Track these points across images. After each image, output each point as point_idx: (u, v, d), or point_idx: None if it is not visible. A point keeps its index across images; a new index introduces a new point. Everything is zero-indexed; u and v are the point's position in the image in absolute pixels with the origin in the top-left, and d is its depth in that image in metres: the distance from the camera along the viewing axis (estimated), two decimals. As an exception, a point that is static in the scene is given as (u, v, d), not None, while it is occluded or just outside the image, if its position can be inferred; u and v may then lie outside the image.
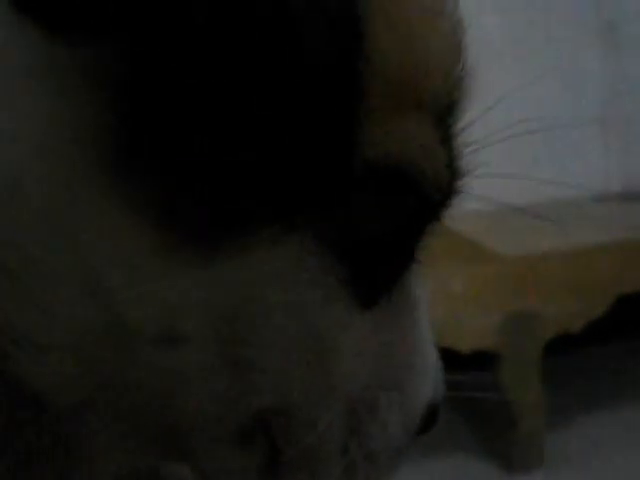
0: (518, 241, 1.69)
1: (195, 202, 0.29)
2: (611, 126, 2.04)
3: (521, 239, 1.71)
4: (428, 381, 0.38)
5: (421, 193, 0.34)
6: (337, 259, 0.32)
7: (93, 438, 0.34)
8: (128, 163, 0.29)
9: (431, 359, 0.39)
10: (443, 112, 0.34)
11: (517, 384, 1.58)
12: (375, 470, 0.37)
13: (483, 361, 1.57)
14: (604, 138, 2.05)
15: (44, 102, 0.29)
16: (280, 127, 0.29)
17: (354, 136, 0.31)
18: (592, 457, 1.57)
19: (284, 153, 0.30)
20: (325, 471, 0.35)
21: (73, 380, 0.32)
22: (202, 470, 0.35)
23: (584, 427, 1.67)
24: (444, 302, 1.43)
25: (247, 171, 0.29)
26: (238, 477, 0.35)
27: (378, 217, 0.33)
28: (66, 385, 0.32)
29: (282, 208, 0.30)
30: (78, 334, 0.31)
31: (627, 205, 1.95)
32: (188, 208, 0.29)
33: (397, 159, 0.32)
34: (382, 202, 0.33)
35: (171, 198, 0.29)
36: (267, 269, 0.31)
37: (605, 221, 1.84)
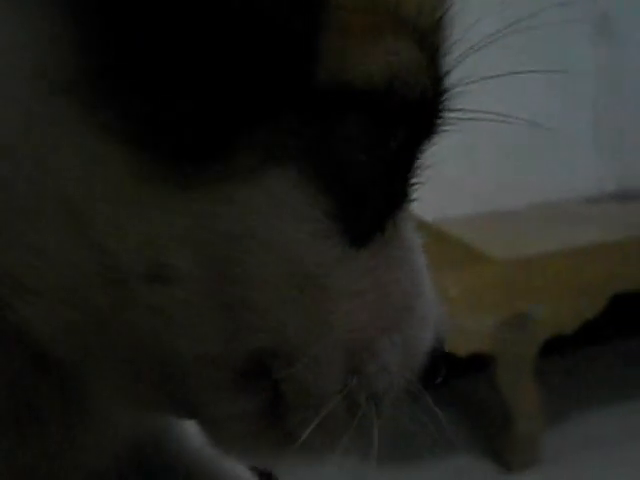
0: (511, 244, 1.70)
1: (169, 124, 0.29)
2: (604, 125, 2.04)
3: (514, 242, 1.72)
4: (429, 326, 0.37)
5: (407, 113, 0.33)
6: (324, 193, 0.31)
7: (95, 389, 0.35)
8: (98, 85, 0.28)
9: (431, 305, 0.38)
10: (427, 31, 0.33)
11: (513, 385, 1.59)
12: (378, 411, 0.36)
13: (479, 364, 1.58)
14: (597, 137, 2.05)
15: (4, 26, 0.29)
16: (247, 52, 0.29)
17: (318, 55, 0.30)
18: (588, 456, 1.59)
19: (252, 76, 0.29)
20: (327, 411, 0.34)
21: (70, 326, 0.31)
22: (205, 419, 0.35)
23: (580, 427, 1.68)
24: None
25: (218, 93, 0.29)
26: (241, 422, 0.34)
27: (364, 147, 0.32)
28: (64, 331, 0.32)
29: (255, 136, 0.30)
30: (70, 276, 0.30)
31: (621, 205, 1.95)
32: (162, 131, 0.29)
33: (379, 77, 0.31)
34: (367, 130, 0.32)
35: (145, 121, 0.29)
36: (248, 202, 0.30)
37: (599, 221, 1.85)
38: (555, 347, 1.64)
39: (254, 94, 0.29)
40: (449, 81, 0.35)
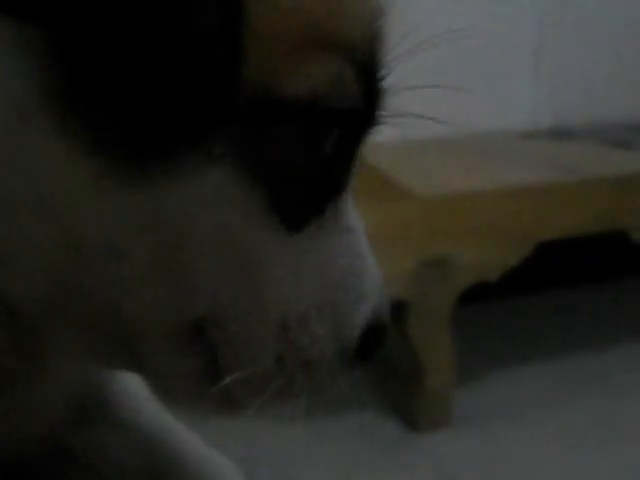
0: (435, 178, 1.56)
1: (120, 133, 0.35)
2: (544, 55, 1.93)
3: (438, 176, 1.58)
4: (365, 302, 0.42)
5: (337, 120, 0.38)
6: (258, 188, 0.37)
7: (59, 340, 0.41)
8: (63, 99, 0.34)
9: (370, 282, 0.42)
10: (357, 45, 0.38)
11: (426, 336, 1.46)
12: (312, 378, 0.41)
13: (392, 310, 1.43)
14: (536, 68, 1.94)
15: None
16: (177, 70, 0.34)
17: (241, 76, 0.35)
18: (503, 417, 1.49)
19: (185, 91, 0.35)
20: (262, 378, 0.40)
21: (39, 287, 0.38)
22: (152, 376, 0.41)
23: (497, 385, 1.59)
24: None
25: (158, 106, 0.35)
26: (182, 379, 0.40)
27: (296, 148, 0.37)
28: (36, 293, 0.38)
29: (194, 140, 0.35)
30: (43, 251, 0.37)
31: (555, 143, 1.83)
32: (115, 138, 0.35)
33: (303, 92, 0.36)
34: (298, 134, 0.37)
35: (102, 129, 0.35)
36: (191, 195, 0.36)
37: (530, 160, 1.72)
38: (475, 296, 1.52)
39: (188, 107, 0.35)
40: (381, 98, 0.40)
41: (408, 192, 1.47)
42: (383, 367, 1.55)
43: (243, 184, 0.36)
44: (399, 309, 1.43)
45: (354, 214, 0.42)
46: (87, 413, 0.49)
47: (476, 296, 1.53)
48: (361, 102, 0.38)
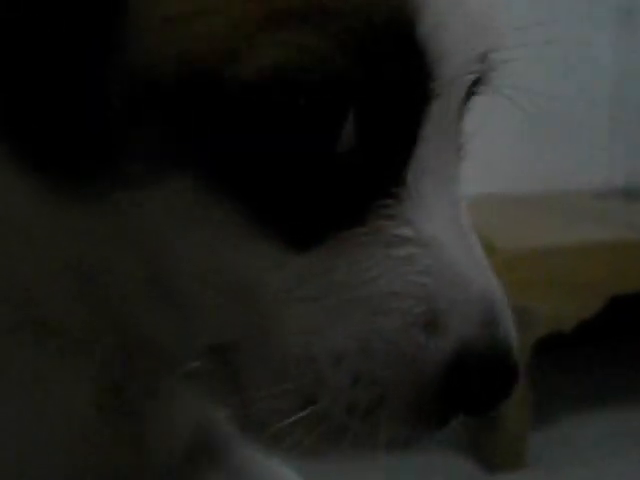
0: (513, 233, 1.63)
1: (57, 155, 0.32)
2: (619, 119, 1.98)
3: (516, 231, 1.65)
4: (447, 331, 0.33)
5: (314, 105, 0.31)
6: (237, 196, 0.31)
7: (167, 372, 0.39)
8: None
9: (453, 301, 0.33)
10: (336, 17, 0.31)
11: None
12: (366, 423, 0.34)
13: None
14: (612, 131, 1.99)
15: None
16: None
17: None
18: (575, 460, 1.53)
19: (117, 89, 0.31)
20: (310, 418, 0.34)
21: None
22: (182, 376, 0.36)
23: (569, 429, 1.62)
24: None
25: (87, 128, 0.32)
26: (210, 382, 0.36)
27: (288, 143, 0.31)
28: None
29: (140, 148, 0.31)
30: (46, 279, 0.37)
31: (627, 203, 1.89)
32: (54, 162, 0.33)
33: (278, 68, 0.30)
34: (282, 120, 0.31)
35: (40, 156, 0.33)
36: (154, 207, 0.32)
37: (604, 218, 1.78)
38: (551, 345, 1.57)
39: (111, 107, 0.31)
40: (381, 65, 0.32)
41: (490, 246, 1.53)
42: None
43: (214, 192, 0.31)
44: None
45: (446, 216, 0.34)
46: (200, 456, 0.46)
47: (552, 345, 1.57)
48: (355, 71, 0.31)
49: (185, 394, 0.41)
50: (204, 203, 0.31)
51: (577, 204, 1.86)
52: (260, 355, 0.33)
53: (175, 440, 0.44)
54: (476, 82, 0.36)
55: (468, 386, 0.33)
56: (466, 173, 0.36)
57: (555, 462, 1.53)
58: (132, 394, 0.39)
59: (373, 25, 0.31)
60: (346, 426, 0.34)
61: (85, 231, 0.34)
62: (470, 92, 0.36)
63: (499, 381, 0.34)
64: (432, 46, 0.32)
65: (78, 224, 0.33)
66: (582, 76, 1.89)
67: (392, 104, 0.32)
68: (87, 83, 0.31)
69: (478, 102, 0.36)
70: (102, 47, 0.30)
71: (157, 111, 0.31)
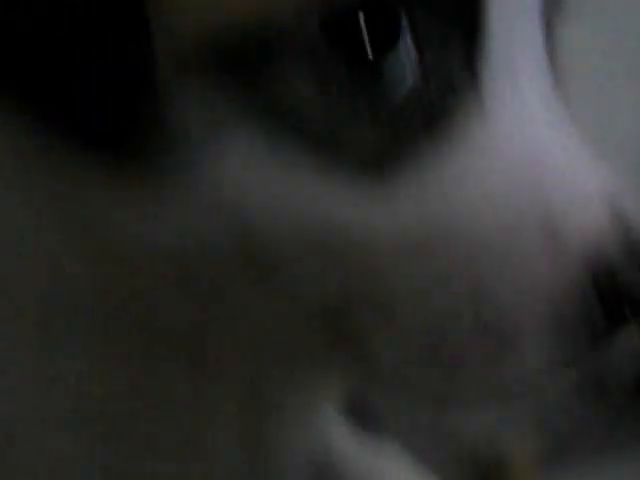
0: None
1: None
2: None
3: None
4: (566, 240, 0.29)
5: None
6: (292, 141, 0.29)
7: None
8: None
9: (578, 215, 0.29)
10: None
11: None
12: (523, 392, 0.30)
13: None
14: None
15: None
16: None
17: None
18: None
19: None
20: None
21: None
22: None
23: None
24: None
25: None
26: (330, 357, 0.33)
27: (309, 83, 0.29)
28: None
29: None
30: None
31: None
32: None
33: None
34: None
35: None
36: (234, 170, 0.29)
37: None
38: None
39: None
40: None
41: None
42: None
43: (282, 135, 0.29)
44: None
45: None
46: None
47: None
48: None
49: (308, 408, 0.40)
50: (274, 150, 0.29)
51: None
52: (378, 311, 0.30)
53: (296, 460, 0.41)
54: None
55: (615, 286, 0.29)
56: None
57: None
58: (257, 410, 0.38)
59: None
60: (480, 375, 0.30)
61: (164, 218, 0.30)
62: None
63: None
64: None
65: (157, 211, 0.30)
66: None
67: None
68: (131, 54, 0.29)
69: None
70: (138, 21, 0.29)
71: (214, 68, 0.29)
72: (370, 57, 0.28)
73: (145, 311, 0.33)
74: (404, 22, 0.29)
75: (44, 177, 0.31)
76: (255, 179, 0.30)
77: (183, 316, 0.34)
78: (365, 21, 0.28)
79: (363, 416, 0.40)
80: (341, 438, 0.43)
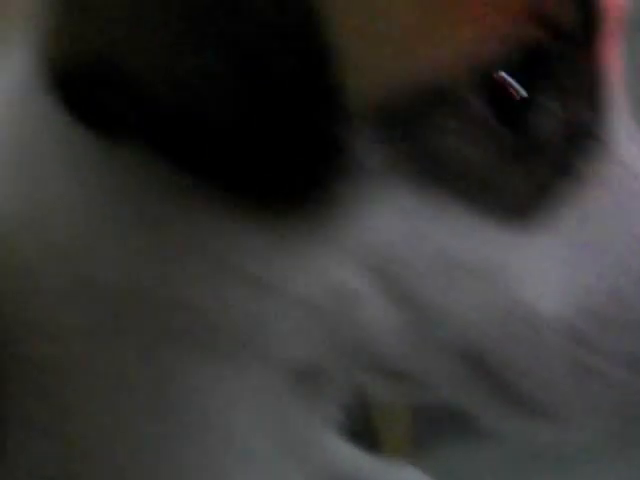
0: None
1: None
2: None
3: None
4: None
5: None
6: (445, 185, 0.32)
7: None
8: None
9: None
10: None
11: None
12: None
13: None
14: None
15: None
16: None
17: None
18: None
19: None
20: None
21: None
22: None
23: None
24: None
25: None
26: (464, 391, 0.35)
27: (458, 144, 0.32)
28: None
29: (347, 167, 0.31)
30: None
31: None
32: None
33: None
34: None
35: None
36: (387, 214, 0.32)
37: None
38: None
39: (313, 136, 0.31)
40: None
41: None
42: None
43: (436, 184, 0.32)
44: None
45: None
46: None
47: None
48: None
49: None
50: (428, 198, 0.32)
51: None
52: (514, 338, 0.33)
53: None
54: None
55: None
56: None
57: None
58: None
59: None
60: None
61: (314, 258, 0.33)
62: None
63: None
64: None
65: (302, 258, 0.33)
66: None
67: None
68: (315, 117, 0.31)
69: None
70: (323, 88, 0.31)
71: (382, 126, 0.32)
72: (518, 111, 0.32)
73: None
74: (549, 75, 0.33)
75: (190, 216, 0.33)
76: (407, 225, 0.32)
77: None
78: (515, 77, 0.32)
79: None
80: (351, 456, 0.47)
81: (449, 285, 0.33)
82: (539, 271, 0.33)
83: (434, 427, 1.43)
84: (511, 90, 0.32)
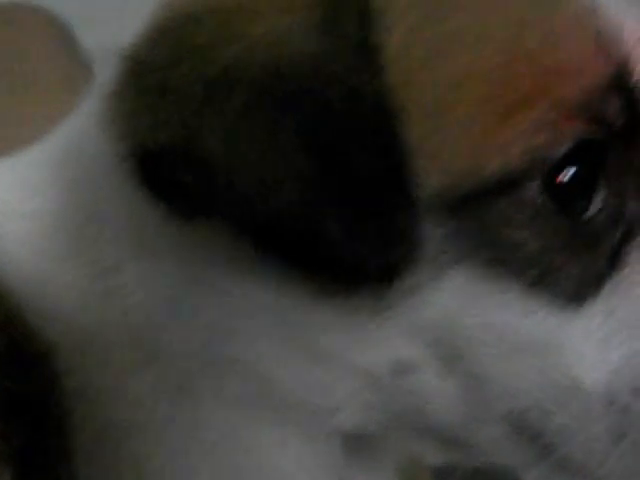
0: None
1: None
2: None
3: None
4: None
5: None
6: (516, 274, 0.35)
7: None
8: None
9: None
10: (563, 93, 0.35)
11: None
12: None
13: None
14: None
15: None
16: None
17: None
18: None
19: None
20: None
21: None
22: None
23: None
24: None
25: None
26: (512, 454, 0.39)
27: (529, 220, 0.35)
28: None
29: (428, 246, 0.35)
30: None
31: None
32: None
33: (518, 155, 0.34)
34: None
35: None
36: (455, 297, 0.35)
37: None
38: None
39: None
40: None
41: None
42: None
43: (487, 272, 0.35)
44: None
45: None
46: None
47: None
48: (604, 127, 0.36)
49: None
50: (488, 278, 0.35)
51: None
52: (563, 407, 0.37)
53: None
54: None
55: None
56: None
57: None
58: None
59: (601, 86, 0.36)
60: None
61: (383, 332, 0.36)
62: None
63: None
64: None
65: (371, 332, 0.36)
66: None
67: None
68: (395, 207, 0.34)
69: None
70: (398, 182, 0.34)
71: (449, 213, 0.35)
72: (576, 201, 0.36)
73: None
74: (603, 168, 0.36)
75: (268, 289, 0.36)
76: (467, 303, 0.36)
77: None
78: (573, 169, 0.36)
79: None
80: None
81: (507, 360, 0.36)
82: (589, 348, 0.36)
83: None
84: (570, 182, 0.35)
